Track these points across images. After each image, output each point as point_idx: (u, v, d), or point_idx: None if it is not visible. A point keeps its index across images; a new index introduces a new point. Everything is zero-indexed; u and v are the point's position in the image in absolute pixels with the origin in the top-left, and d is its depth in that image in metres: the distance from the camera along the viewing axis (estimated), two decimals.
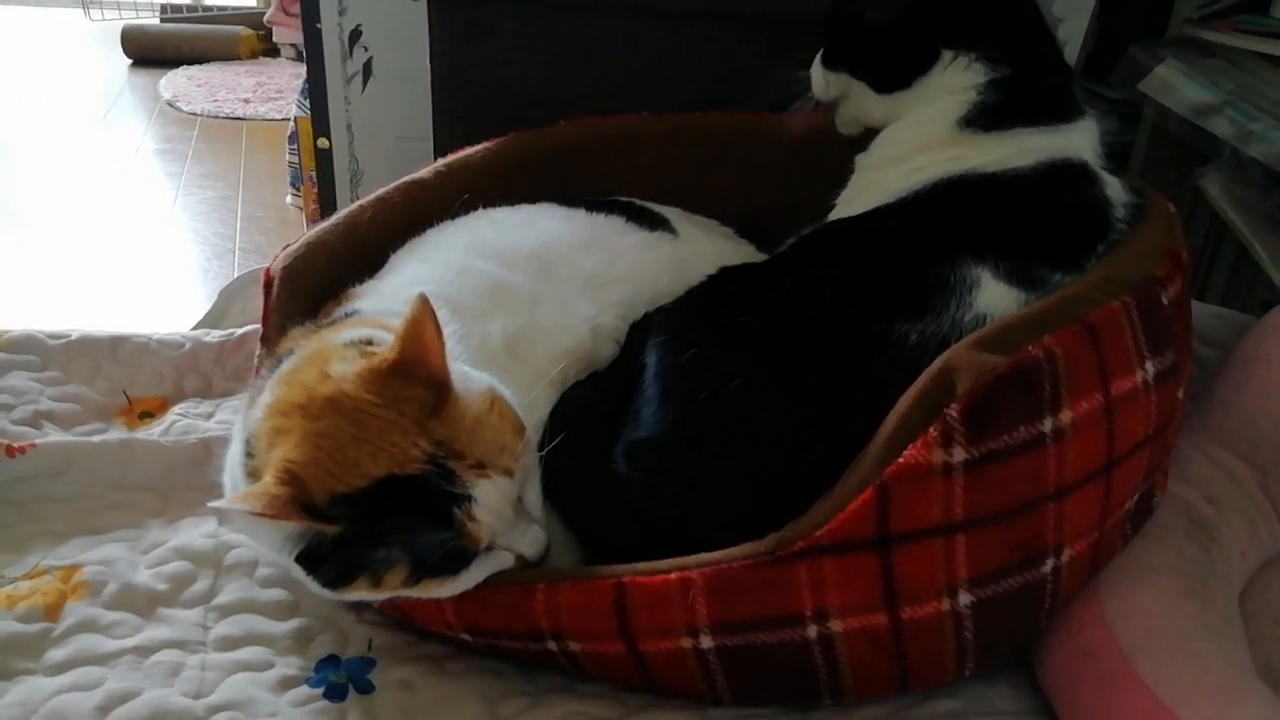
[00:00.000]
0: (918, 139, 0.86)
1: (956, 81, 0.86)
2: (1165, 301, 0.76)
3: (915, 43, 0.87)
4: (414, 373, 0.68)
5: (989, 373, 0.66)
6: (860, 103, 0.94)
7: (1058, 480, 0.68)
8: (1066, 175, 0.81)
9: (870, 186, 0.88)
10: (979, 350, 0.68)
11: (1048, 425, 0.67)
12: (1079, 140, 0.84)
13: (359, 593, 0.70)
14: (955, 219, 0.80)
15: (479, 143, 1.15)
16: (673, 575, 0.70)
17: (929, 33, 0.87)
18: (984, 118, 0.84)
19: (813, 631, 0.69)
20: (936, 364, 0.69)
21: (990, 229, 0.78)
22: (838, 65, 0.94)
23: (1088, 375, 0.69)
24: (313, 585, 0.70)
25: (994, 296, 0.74)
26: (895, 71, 0.89)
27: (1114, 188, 0.82)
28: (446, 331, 0.70)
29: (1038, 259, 0.76)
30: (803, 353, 0.75)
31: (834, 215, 0.92)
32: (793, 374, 0.74)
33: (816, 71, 0.97)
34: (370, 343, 0.75)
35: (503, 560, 0.73)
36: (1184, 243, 0.83)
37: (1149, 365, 0.72)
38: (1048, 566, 0.70)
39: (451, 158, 1.12)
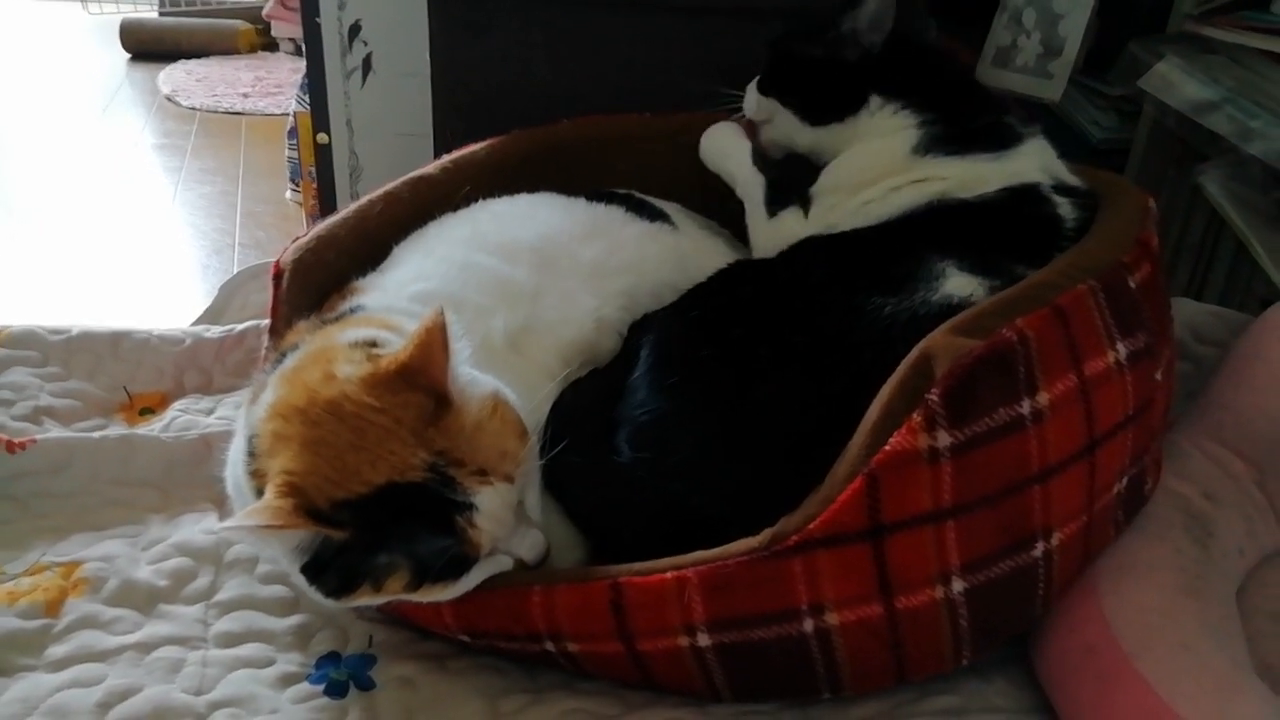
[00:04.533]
0: (876, 167, 0.93)
1: (888, 124, 0.94)
2: (1132, 285, 0.78)
3: (849, 84, 0.97)
4: (417, 380, 0.68)
5: (965, 355, 0.68)
6: (785, 129, 1.02)
7: (1040, 461, 0.69)
8: (1023, 196, 0.88)
9: (834, 209, 0.95)
10: (955, 335, 0.70)
11: (1026, 407, 0.68)
12: (1026, 163, 0.90)
13: (361, 600, 0.70)
14: (929, 231, 0.87)
15: (480, 139, 1.15)
16: (668, 574, 0.70)
17: (863, 79, 0.96)
18: (939, 145, 0.91)
19: (809, 625, 0.69)
20: (915, 351, 0.70)
21: (958, 238, 0.84)
22: (770, 91, 1.03)
23: (1060, 356, 0.70)
24: (316, 595, 0.70)
25: (959, 283, 0.79)
26: (824, 107, 0.98)
27: (1064, 207, 0.88)
28: (452, 332, 0.70)
29: (997, 253, 0.82)
30: (793, 318, 0.80)
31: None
32: (785, 333, 0.78)
33: (751, 93, 1.06)
34: (375, 344, 0.75)
35: (501, 563, 0.73)
36: (1155, 232, 0.86)
37: (1120, 346, 0.74)
38: (1038, 550, 0.71)
39: (458, 153, 1.12)
